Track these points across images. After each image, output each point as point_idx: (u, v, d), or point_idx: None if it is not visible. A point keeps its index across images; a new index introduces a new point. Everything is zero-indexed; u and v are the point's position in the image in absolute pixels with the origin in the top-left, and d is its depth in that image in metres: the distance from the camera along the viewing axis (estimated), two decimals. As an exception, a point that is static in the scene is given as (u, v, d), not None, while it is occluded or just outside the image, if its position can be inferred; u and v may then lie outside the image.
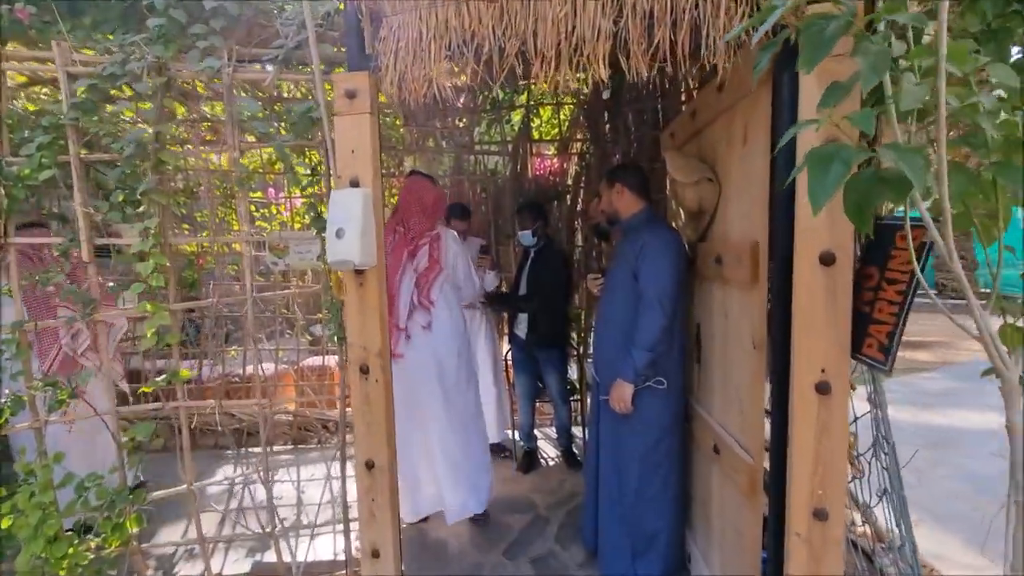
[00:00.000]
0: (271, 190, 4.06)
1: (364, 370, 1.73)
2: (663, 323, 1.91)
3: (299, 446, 3.97)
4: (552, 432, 4.01)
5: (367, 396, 1.74)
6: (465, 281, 2.58)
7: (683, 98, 3.48)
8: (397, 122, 3.78)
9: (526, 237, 3.10)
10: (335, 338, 1.98)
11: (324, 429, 4.14)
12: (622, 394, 1.96)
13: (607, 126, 3.89)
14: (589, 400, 2.94)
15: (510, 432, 3.59)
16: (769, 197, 1.45)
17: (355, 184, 1.66)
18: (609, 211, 2.20)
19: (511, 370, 3.64)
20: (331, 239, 1.60)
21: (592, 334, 2.85)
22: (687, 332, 2.15)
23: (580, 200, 4.02)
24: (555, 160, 4.08)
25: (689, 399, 2.15)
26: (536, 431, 3.55)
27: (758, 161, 1.50)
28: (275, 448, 3.92)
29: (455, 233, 2.64)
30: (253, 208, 4.21)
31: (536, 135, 4.12)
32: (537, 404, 3.50)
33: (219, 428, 3.71)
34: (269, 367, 4.24)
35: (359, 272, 1.70)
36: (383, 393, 1.73)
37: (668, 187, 2.43)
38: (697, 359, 2.15)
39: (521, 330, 3.18)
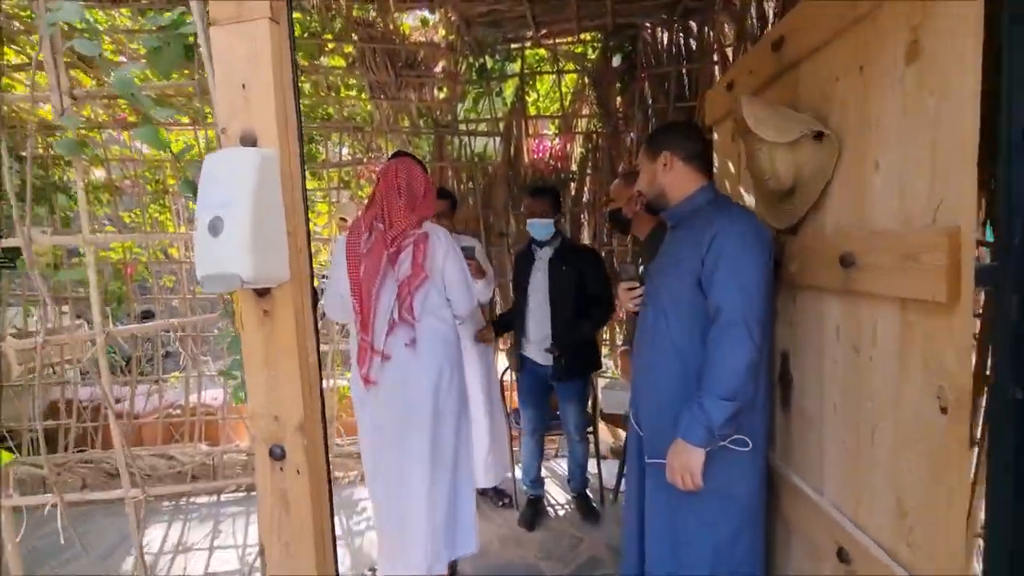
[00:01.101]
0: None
1: (276, 454, 1.04)
2: (752, 356, 1.24)
3: (252, 493, 3.26)
4: (559, 466, 3.34)
5: (283, 496, 1.05)
6: (457, 290, 1.96)
7: (717, 58, 2.83)
8: (363, 96, 3.09)
9: (543, 228, 2.39)
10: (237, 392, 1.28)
11: (285, 469, 3.43)
12: (687, 463, 1.29)
13: (619, 99, 3.23)
14: (626, 444, 2.26)
15: (510, 473, 2.91)
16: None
17: (249, 142, 0.98)
18: (651, 192, 1.52)
19: (510, 395, 2.97)
20: (201, 236, 0.91)
21: (627, 360, 2.18)
22: (770, 363, 1.49)
23: (587, 189, 3.36)
24: (556, 141, 3.40)
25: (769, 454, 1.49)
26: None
27: (958, 89, 0.84)
28: (223, 497, 3.21)
29: (446, 231, 2.00)
30: (190, 205, 3.49)
31: (533, 111, 3.45)
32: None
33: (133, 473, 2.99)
34: (217, 394, 3.52)
35: (261, 294, 1.01)
36: (308, 491, 1.05)
37: (742, 155, 1.75)
38: (783, 401, 1.49)
39: (535, 354, 2.50)
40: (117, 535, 2.79)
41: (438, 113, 3.22)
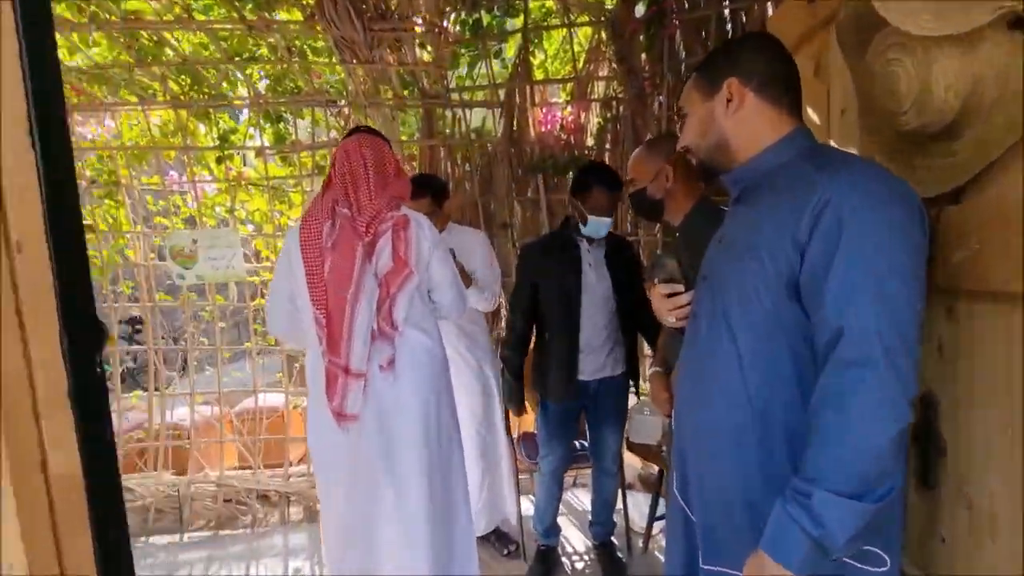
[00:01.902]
0: (172, 173, 2.91)
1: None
2: (903, 419, 0.70)
3: (220, 532, 2.81)
4: (575, 500, 2.81)
5: None
6: (448, 291, 1.62)
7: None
8: (333, 60, 2.58)
9: (605, 227, 1.88)
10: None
11: (264, 502, 2.98)
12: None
13: (644, 55, 2.65)
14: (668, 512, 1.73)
15: (513, 508, 2.38)
16: None
17: None
18: (706, 145, 0.95)
19: (517, 421, 2.46)
20: None
21: (662, 386, 1.62)
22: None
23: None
24: (569, 110, 2.84)
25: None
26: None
27: None
28: (187, 537, 2.77)
29: (426, 218, 1.60)
30: (150, 201, 3.06)
31: (539, 75, 2.90)
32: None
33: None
34: (183, 414, 3.09)
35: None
36: None
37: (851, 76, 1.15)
38: (921, 478, 0.93)
39: (591, 366, 2.04)
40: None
41: (425, 82, 2.69)
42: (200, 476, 2.94)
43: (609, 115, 2.74)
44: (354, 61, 2.44)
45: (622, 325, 2.02)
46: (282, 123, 2.80)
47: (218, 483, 2.90)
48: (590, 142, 2.81)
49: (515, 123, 2.76)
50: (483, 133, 2.84)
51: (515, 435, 2.51)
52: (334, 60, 2.54)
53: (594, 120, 2.79)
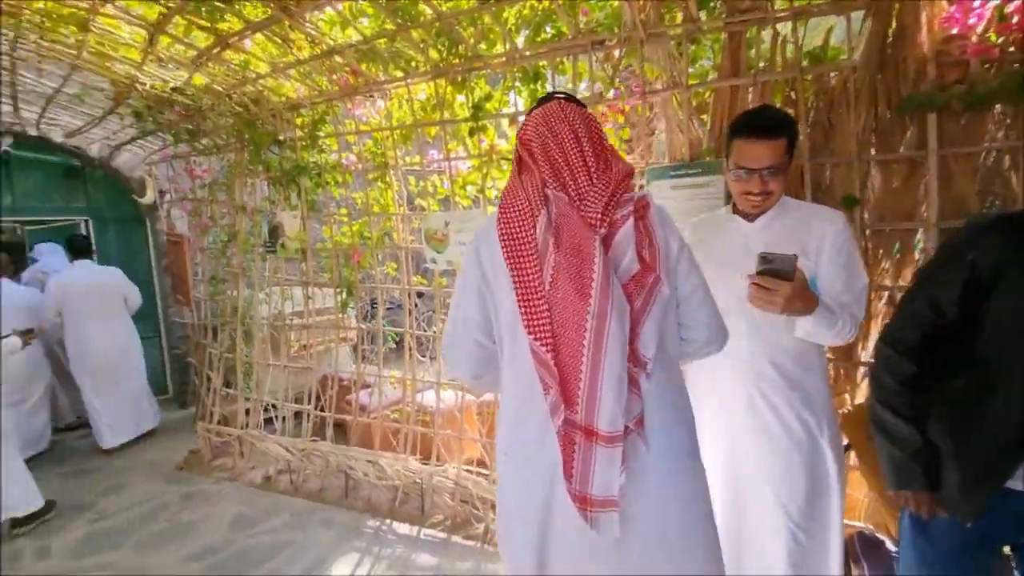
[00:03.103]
0: (432, 152, 2.77)
1: None
2: None
3: (453, 537, 2.60)
4: None
5: None
6: (705, 308, 1.09)
7: None
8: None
9: None
10: None
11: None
12: None
13: None
14: None
15: None
16: None
17: None
18: None
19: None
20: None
21: None
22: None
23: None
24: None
25: None
26: None
27: None
28: (423, 533, 2.65)
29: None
30: (412, 182, 3.00)
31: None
32: None
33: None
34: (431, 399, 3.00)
35: None
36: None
37: None
38: None
39: None
40: (327, 548, 2.49)
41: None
42: (440, 469, 2.80)
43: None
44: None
45: None
46: (540, 82, 2.33)
47: (456, 481, 2.71)
48: None
49: (890, 30, 1.66)
50: (825, 58, 1.82)
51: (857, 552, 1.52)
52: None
53: None
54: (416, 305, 3.11)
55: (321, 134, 3.00)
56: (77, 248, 3.80)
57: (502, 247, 1.02)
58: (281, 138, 3.13)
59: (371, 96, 2.71)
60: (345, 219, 3.14)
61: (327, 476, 3.11)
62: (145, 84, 2.93)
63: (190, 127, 3.54)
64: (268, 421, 3.46)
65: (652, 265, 1.00)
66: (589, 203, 1.00)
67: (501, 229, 1.03)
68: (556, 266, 0.96)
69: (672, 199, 2.02)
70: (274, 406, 3.40)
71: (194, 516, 2.87)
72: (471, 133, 2.46)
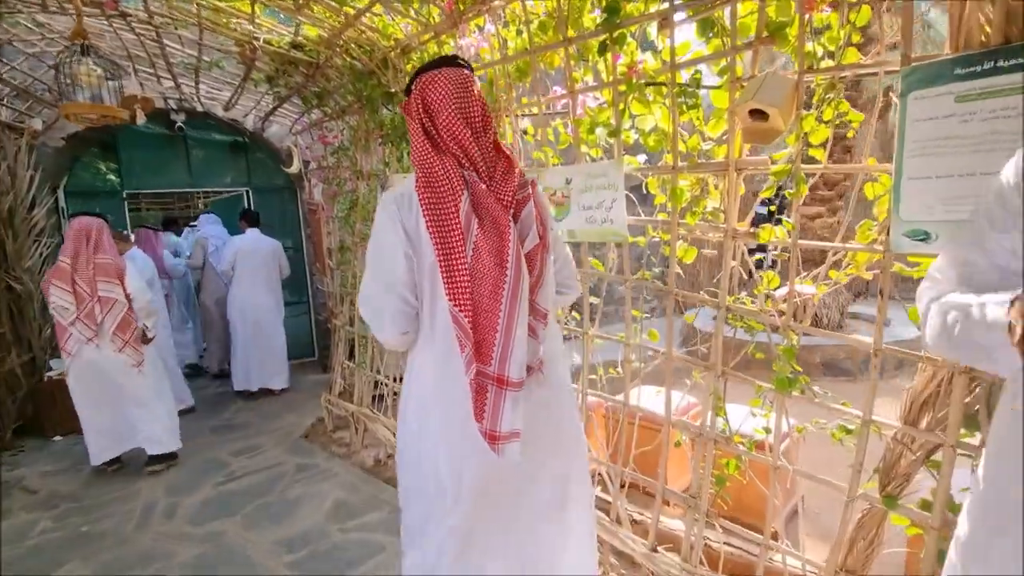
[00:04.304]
0: (556, 88, 2.12)
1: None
2: None
3: None
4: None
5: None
6: (569, 268, 1.45)
7: None
8: None
9: None
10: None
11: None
12: None
13: None
14: None
15: None
16: None
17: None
18: None
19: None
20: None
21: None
22: None
23: None
24: None
25: None
26: None
27: None
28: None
29: None
30: (530, 132, 2.39)
31: None
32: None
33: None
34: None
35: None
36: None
37: None
38: None
39: None
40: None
41: None
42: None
43: None
44: None
45: None
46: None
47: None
48: None
49: None
50: None
51: None
52: None
53: None
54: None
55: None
56: (249, 218, 4.38)
57: (428, 227, 1.14)
58: (392, 90, 2.77)
59: (481, 15, 2.14)
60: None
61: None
62: (259, 40, 2.78)
63: (316, 89, 3.40)
64: (381, 398, 3.27)
65: (546, 238, 1.24)
66: (501, 185, 1.19)
67: (426, 211, 1.14)
68: (478, 242, 1.13)
69: (954, 121, 1.12)
70: (386, 384, 3.18)
71: (300, 493, 2.77)
72: (602, 50, 1.76)
